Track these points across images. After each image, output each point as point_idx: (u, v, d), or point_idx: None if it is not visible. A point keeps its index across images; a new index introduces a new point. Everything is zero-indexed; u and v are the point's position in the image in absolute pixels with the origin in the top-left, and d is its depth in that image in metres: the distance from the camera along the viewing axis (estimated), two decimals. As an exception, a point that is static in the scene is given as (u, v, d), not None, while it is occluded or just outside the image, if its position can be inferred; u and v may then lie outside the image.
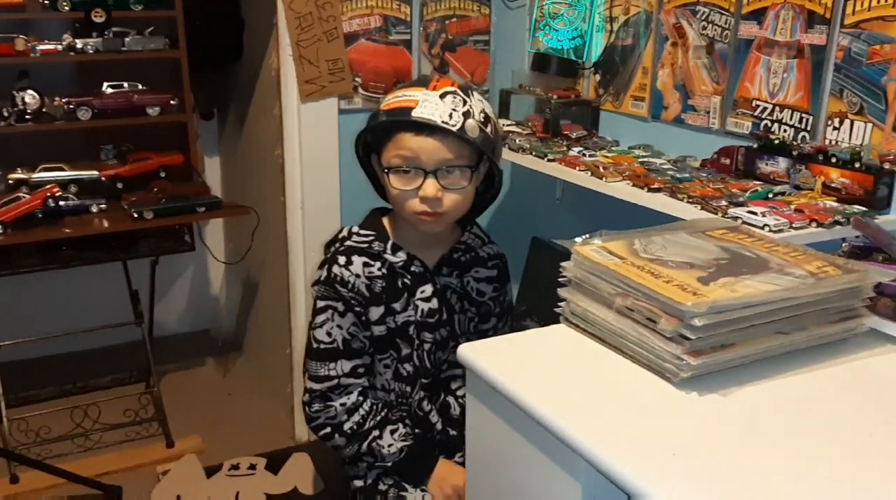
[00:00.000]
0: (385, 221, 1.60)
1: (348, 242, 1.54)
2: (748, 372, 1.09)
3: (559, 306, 1.25)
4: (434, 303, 1.56)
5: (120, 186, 2.70)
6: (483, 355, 1.17)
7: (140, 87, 2.67)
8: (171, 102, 2.70)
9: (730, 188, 1.63)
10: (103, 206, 2.61)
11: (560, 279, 1.25)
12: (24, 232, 2.42)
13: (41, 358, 3.05)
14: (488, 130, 1.47)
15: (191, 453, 2.13)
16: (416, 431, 1.58)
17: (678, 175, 1.76)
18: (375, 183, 1.60)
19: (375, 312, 1.53)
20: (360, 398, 1.54)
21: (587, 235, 1.26)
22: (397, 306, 1.54)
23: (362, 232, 1.55)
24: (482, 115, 1.46)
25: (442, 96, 1.43)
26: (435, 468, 1.56)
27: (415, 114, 1.41)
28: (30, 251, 2.54)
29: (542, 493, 1.07)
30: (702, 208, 1.54)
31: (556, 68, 2.24)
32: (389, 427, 1.54)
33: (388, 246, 1.54)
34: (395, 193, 1.47)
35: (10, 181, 2.54)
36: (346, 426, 1.53)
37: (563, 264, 1.24)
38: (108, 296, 2.99)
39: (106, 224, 2.56)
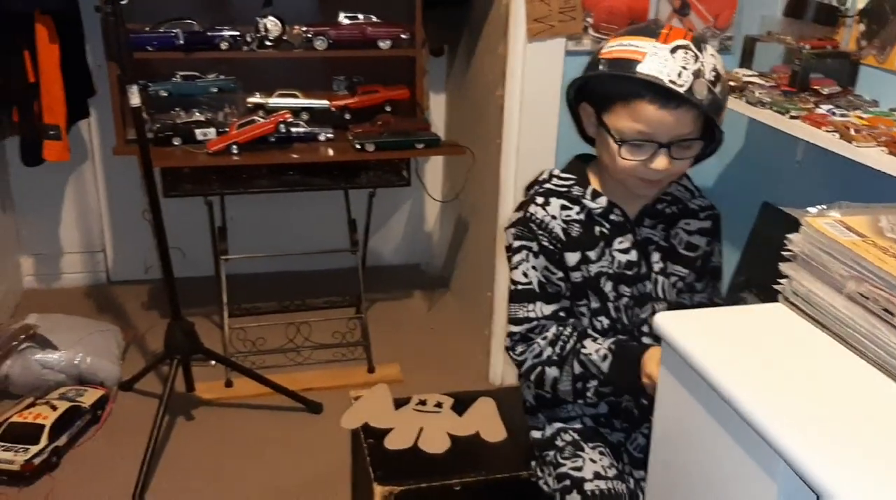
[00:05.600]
0: (588, 168, 1.53)
1: (548, 185, 1.51)
2: None
3: (780, 283, 1.11)
4: (633, 255, 1.48)
5: (348, 117, 2.78)
6: (682, 326, 1.07)
7: (374, 19, 2.71)
8: (403, 36, 2.71)
9: None
10: (331, 135, 2.70)
11: (784, 253, 1.10)
12: (256, 154, 2.57)
13: (265, 274, 3.26)
14: (717, 90, 1.34)
15: (388, 381, 2.19)
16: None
17: (950, 145, 1.49)
18: (580, 128, 1.50)
19: (572, 257, 1.47)
20: (560, 328, 1.46)
21: (824, 206, 1.10)
22: (592, 254, 1.47)
23: (563, 175, 1.51)
24: (713, 73, 1.33)
25: (672, 51, 1.31)
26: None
27: (640, 69, 1.31)
28: (261, 173, 2.68)
29: (732, 485, 0.96)
30: (975, 186, 1.30)
31: (814, 14, 1.99)
32: (588, 338, 1.46)
33: (588, 192, 1.48)
34: (624, 164, 1.39)
35: (249, 105, 2.69)
36: (553, 356, 1.45)
37: (790, 236, 1.09)
38: (328, 222, 3.12)
39: (331, 153, 2.66)
